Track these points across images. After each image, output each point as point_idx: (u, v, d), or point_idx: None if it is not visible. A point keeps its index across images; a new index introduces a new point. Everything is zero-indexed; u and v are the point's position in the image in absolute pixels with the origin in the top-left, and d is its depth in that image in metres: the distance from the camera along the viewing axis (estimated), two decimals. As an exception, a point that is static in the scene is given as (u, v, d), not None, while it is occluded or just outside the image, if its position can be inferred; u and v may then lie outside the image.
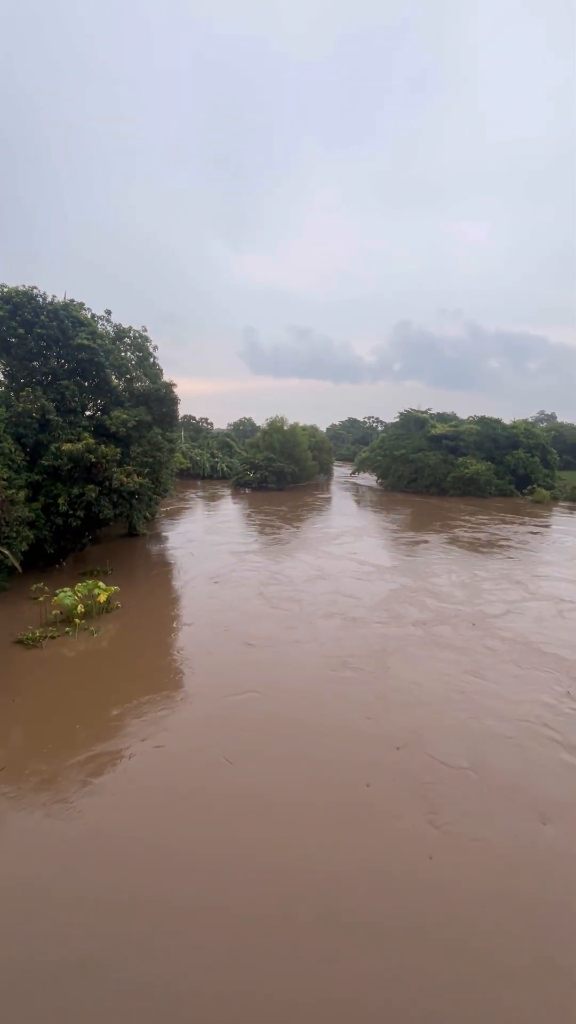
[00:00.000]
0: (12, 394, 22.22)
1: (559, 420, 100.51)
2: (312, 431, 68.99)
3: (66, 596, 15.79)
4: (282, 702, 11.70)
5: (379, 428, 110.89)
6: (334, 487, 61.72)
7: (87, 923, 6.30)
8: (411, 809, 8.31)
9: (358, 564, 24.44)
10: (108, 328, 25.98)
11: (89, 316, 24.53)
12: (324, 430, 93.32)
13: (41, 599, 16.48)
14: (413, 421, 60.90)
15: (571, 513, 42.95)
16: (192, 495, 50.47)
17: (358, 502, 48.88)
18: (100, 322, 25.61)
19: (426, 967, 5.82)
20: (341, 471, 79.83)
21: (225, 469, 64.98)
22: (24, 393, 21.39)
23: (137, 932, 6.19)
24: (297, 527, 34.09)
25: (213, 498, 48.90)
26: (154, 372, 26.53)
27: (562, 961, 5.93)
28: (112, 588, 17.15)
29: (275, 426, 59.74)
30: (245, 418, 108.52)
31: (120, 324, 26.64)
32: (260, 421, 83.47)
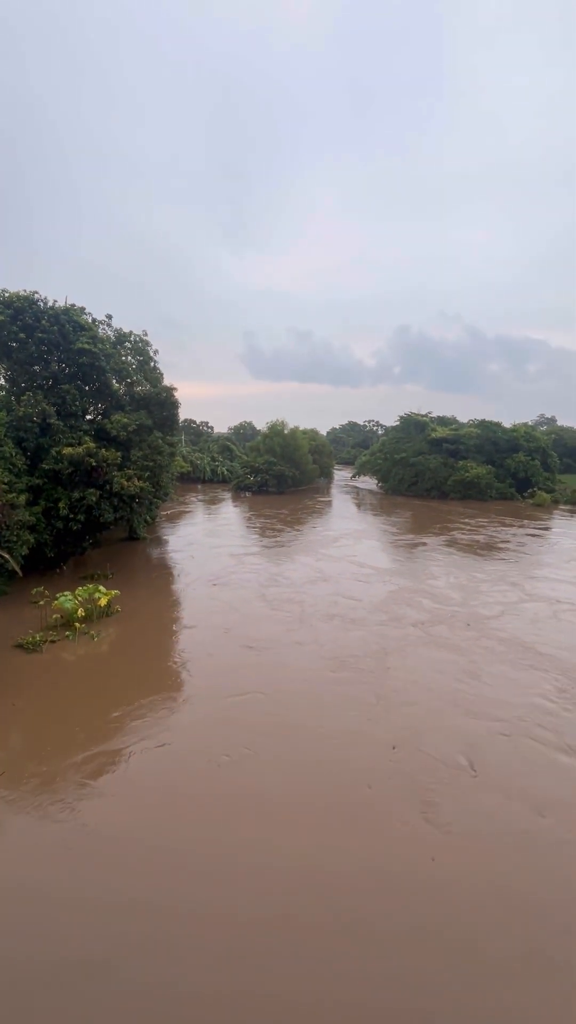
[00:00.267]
0: (13, 398, 22.33)
1: (559, 423, 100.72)
2: (312, 435, 69.12)
3: (66, 600, 15.81)
4: (283, 703, 11.73)
5: (379, 432, 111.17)
6: (334, 491, 61.77)
7: (87, 924, 6.29)
8: (411, 808, 8.30)
9: (358, 566, 24.50)
10: (109, 332, 26.10)
11: (90, 320, 24.64)
12: (324, 434, 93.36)
13: (41, 603, 16.49)
14: (413, 425, 60.99)
15: (572, 516, 42.94)
16: (193, 499, 50.55)
17: (358, 505, 48.93)
18: (101, 326, 25.73)
19: (427, 967, 5.80)
20: (341, 475, 79.90)
21: (225, 473, 65.10)
22: (25, 397, 21.48)
23: (137, 933, 6.18)
24: (297, 530, 34.13)
25: (213, 502, 48.97)
26: (155, 376, 26.64)
27: (562, 959, 5.91)
28: (112, 592, 17.17)
29: (275, 430, 59.87)
30: (245, 422, 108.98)
31: (121, 328, 26.78)
32: (260, 425, 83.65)
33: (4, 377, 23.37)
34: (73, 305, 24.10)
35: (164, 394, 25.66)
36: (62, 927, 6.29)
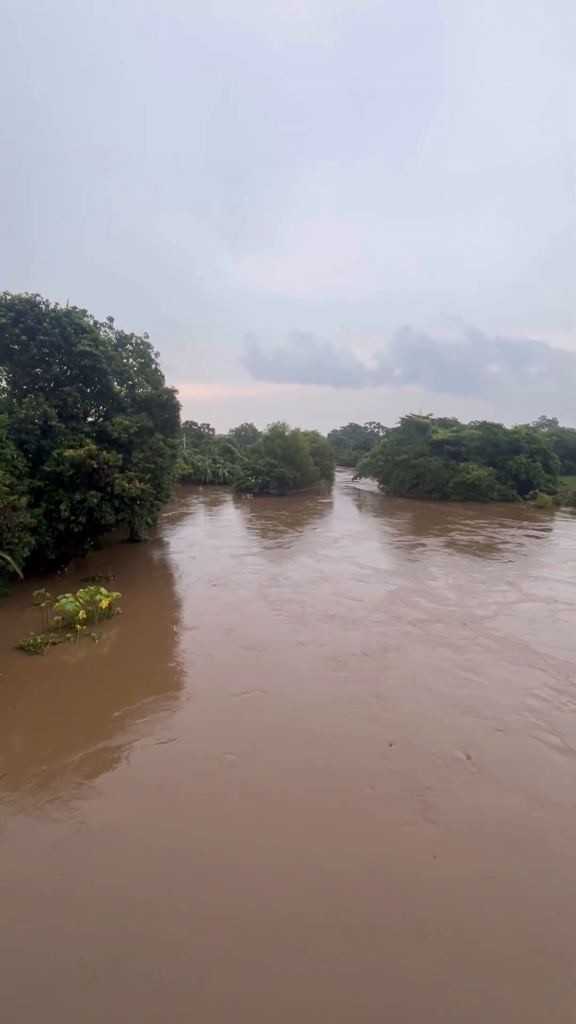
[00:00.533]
0: (15, 400, 22.37)
1: (561, 425, 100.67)
2: (313, 436, 69.13)
3: (68, 602, 15.82)
4: (283, 702, 11.79)
5: (380, 433, 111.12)
6: (336, 492, 61.80)
7: (88, 923, 6.29)
8: (411, 807, 8.30)
9: (358, 567, 24.63)
10: (110, 335, 26.15)
11: (91, 323, 24.71)
12: (325, 435, 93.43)
13: (43, 605, 16.51)
14: (414, 426, 60.98)
15: (573, 518, 42.90)
16: (194, 501, 50.60)
17: (359, 507, 48.96)
18: (102, 329, 25.79)
19: (428, 967, 5.78)
20: (343, 476, 79.90)
21: (227, 475, 65.15)
22: (27, 399, 21.53)
23: (138, 932, 6.17)
24: (298, 531, 34.16)
25: (215, 503, 49.01)
26: (156, 378, 26.68)
27: (563, 957, 5.89)
28: (114, 594, 17.18)
29: (276, 432, 59.93)
30: (247, 424, 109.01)
31: (122, 331, 26.84)
32: (262, 427, 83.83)
33: (6, 379, 23.45)
34: (75, 307, 24.17)
35: (165, 396, 25.70)
36: (63, 926, 6.29)
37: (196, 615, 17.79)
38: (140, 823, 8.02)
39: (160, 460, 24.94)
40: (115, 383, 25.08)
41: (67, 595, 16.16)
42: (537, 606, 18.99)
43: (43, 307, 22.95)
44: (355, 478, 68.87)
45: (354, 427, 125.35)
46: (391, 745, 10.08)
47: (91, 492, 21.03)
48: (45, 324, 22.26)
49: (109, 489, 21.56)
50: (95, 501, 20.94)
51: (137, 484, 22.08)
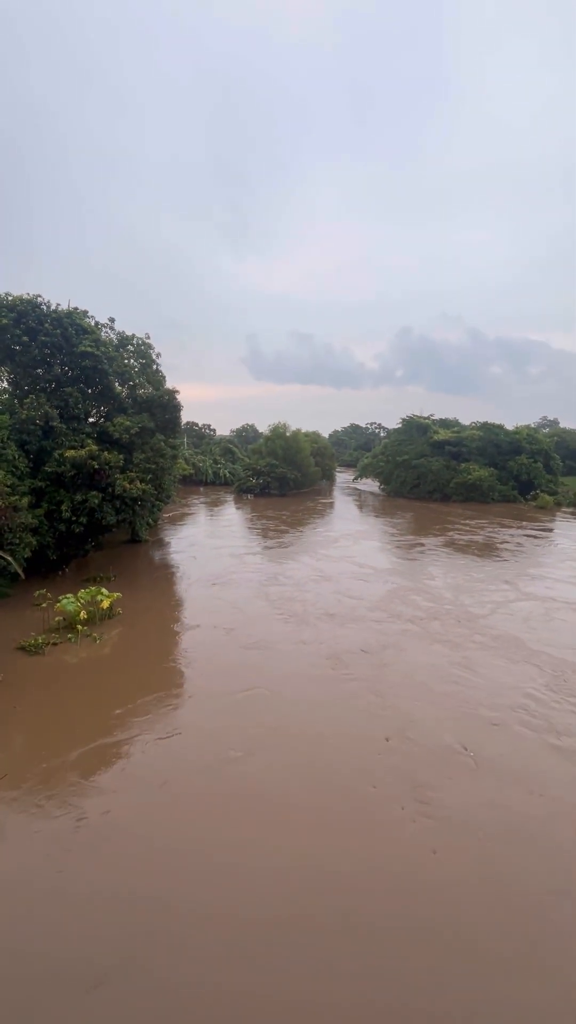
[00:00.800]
0: (16, 401, 22.41)
1: (562, 425, 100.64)
2: (314, 437, 69.15)
3: (69, 602, 15.83)
4: (284, 700, 11.90)
5: (381, 434, 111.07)
6: (336, 493, 61.82)
7: (87, 923, 6.30)
8: (410, 803, 8.32)
9: (358, 566, 24.78)
10: (111, 335, 26.18)
11: (92, 324, 24.74)
12: (326, 436, 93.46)
13: (44, 605, 16.53)
14: (415, 427, 60.97)
15: (574, 518, 42.86)
16: (195, 501, 50.64)
17: (360, 507, 48.99)
18: (103, 330, 25.81)
19: (428, 966, 5.78)
20: (344, 477, 79.93)
21: (228, 475, 65.18)
22: (28, 400, 21.56)
23: (138, 933, 6.18)
24: (299, 531, 34.20)
25: (216, 504, 49.04)
26: (157, 379, 26.69)
27: (564, 956, 5.89)
28: (115, 594, 17.20)
29: (277, 432, 59.95)
30: (248, 424, 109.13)
31: (123, 331, 26.86)
32: (263, 427, 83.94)
33: (7, 380, 23.48)
34: (76, 308, 24.20)
35: (166, 397, 25.71)
36: (61, 925, 6.29)
37: (197, 614, 17.83)
38: (141, 821, 8.04)
39: (161, 461, 24.96)
40: (116, 384, 25.09)
41: (68, 595, 16.18)
42: (534, 605, 19.24)
43: (44, 308, 22.98)
44: (356, 478, 68.83)
45: (355, 428, 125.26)
46: (387, 740, 10.30)
47: (92, 493, 21.05)
48: (46, 325, 22.29)
49: (110, 490, 21.58)
50: (96, 502, 20.96)
51: (138, 485, 22.10)
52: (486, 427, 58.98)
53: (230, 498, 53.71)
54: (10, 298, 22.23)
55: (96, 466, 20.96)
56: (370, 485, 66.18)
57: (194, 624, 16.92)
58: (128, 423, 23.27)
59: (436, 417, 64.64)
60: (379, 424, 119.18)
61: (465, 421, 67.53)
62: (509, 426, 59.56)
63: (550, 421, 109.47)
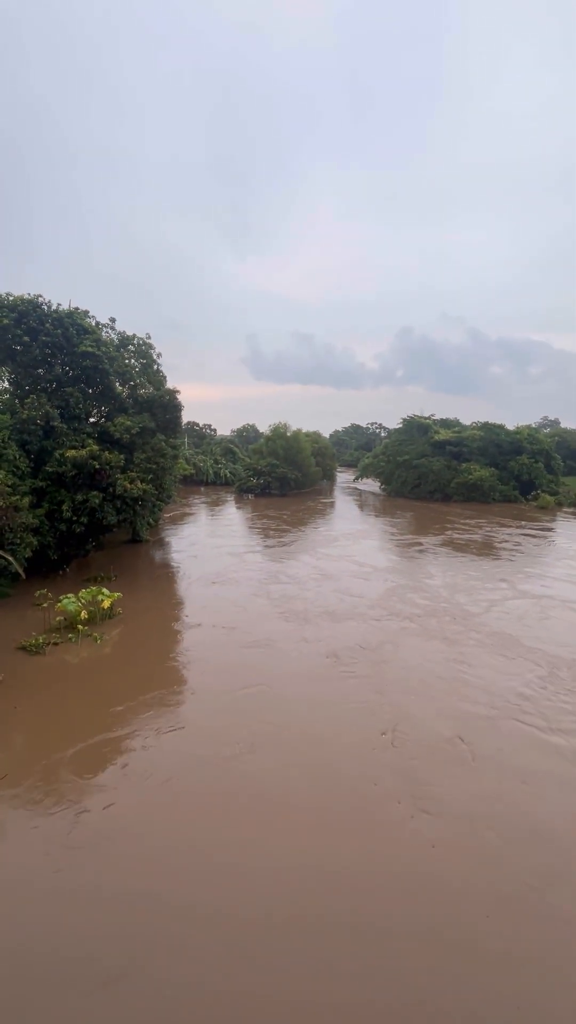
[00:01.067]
0: (17, 401, 22.43)
1: (563, 426, 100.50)
2: (315, 437, 69.16)
3: (70, 602, 15.84)
4: (285, 697, 12.02)
5: (382, 434, 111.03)
6: (337, 493, 61.84)
7: (87, 922, 6.30)
8: (409, 799, 8.34)
9: (357, 565, 24.94)
10: (112, 335, 26.20)
11: (93, 324, 24.76)
12: (327, 436, 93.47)
13: (45, 605, 16.55)
14: (416, 427, 60.96)
15: (574, 518, 42.85)
16: (196, 501, 50.66)
17: (361, 507, 49.01)
18: (104, 330, 25.83)
19: (428, 966, 5.78)
20: (344, 477, 79.97)
21: (228, 475, 65.20)
22: (29, 400, 21.57)
23: (138, 932, 6.18)
24: (300, 531, 34.22)
25: (216, 504, 49.07)
26: (157, 379, 26.70)
27: (564, 955, 5.89)
28: (115, 594, 17.21)
29: (278, 432, 59.96)
30: (248, 424, 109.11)
31: (124, 332, 26.88)
32: (263, 427, 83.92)
33: (8, 380, 23.49)
34: (77, 308, 24.22)
35: (167, 397, 25.72)
36: (60, 924, 6.30)
37: (198, 613, 17.86)
38: (141, 819, 8.05)
39: (162, 460, 24.98)
40: (117, 384, 25.11)
41: (69, 595, 16.19)
42: (530, 603, 19.52)
43: (45, 308, 23.00)
44: (357, 479, 68.81)
45: (356, 428, 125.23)
46: (383, 735, 10.52)
47: (93, 493, 21.06)
48: (47, 325, 22.30)
49: (111, 490, 21.59)
50: (97, 502, 20.97)
51: (139, 484, 22.11)
52: (487, 427, 58.95)
53: (231, 498, 53.74)
54: (11, 298, 22.24)
55: (97, 466, 20.97)
56: (371, 485, 66.18)
57: (195, 623, 16.96)
58: (129, 423, 23.28)
59: (437, 417, 64.67)
60: (380, 424, 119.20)
61: (466, 421, 67.57)
62: (510, 426, 59.60)
63: (551, 421, 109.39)
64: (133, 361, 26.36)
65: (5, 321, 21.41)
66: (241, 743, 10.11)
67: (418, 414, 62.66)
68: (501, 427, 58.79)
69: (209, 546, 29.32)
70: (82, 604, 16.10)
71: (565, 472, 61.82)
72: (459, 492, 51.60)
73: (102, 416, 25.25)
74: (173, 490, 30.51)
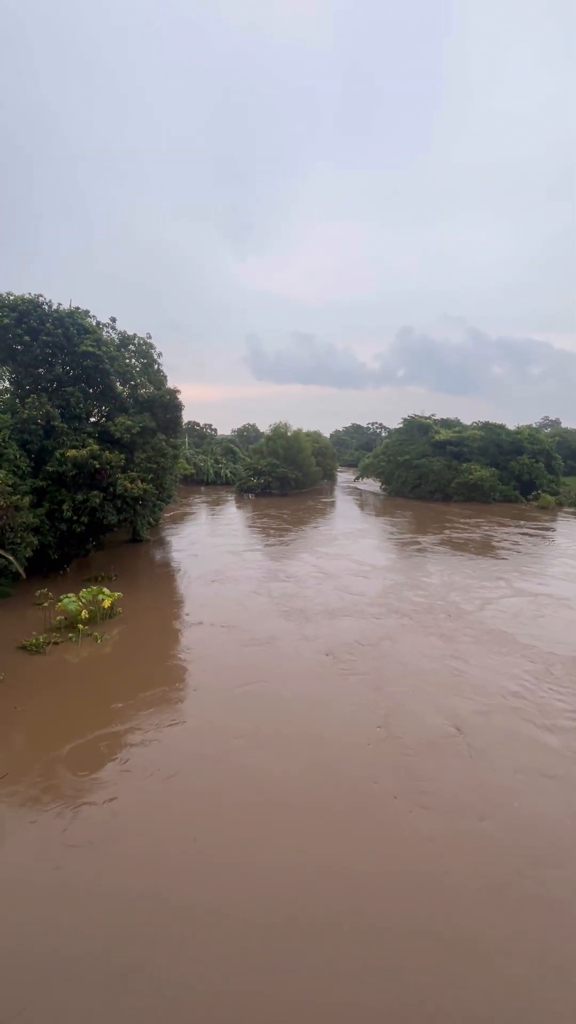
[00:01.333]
0: (17, 401, 22.43)
1: (563, 426, 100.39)
2: (315, 437, 69.16)
3: (70, 602, 15.85)
4: (286, 695, 12.13)
5: (383, 434, 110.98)
6: (337, 492, 61.85)
7: (87, 921, 6.30)
8: (408, 795, 8.35)
9: (357, 564, 25.07)
10: (113, 335, 26.19)
11: (94, 323, 24.75)
12: (328, 436, 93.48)
13: (45, 605, 16.55)
14: (417, 427, 60.94)
15: (575, 518, 42.90)
16: (196, 501, 50.68)
17: (361, 507, 49.03)
18: (105, 329, 25.83)
19: (429, 966, 5.78)
20: (345, 477, 79.99)
21: (229, 475, 65.21)
22: (29, 400, 21.57)
23: (138, 932, 6.18)
24: (300, 530, 34.24)
25: (217, 503, 49.09)
26: (158, 379, 26.70)
27: (565, 955, 5.89)
28: (115, 594, 17.21)
29: (278, 432, 59.95)
30: (249, 424, 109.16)
31: (124, 331, 26.86)
32: (264, 427, 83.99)
33: (9, 380, 23.49)
34: (77, 308, 24.22)
35: (168, 396, 25.72)
36: (60, 923, 6.30)
37: (199, 612, 17.90)
38: (141, 818, 8.06)
39: (162, 460, 24.98)
40: (117, 383, 25.11)
41: (69, 595, 16.19)
42: (526, 600, 19.73)
43: (46, 308, 22.99)
44: (357, 478, 68.78)
45: (356, 427, 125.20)
46: (378, 728, 10.72)
47: (93, 492, 21.06)
48: (48, 324, 22.30)
49: (111, 489, 21.60)
50: (97, 501, 20.98)
51: (139, 484, 22.11)
52: (487, 427, 58.92)
53: (231, 498, 53.76)
54: (11, 298, 22.24)
55: (97, 466, 20.98)
56: (371, 485, 66.17)
57: (196, 621, 17.00)
58: (129, 423, 23.29)
59: (437, 417, 64.63)
60: (380, 424, 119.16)
61: (466, 421, 67.51)
62: (511, 426, 59.55)
63: (551, 421, 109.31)
64: (134, 361, 26.36)
65: (6, 321, 21.41)
66: (241, 741, 10.14)
67: (419, 414, 62.66)
68: (502, 427, 58.75)
69: (209, 545, 29.36)
70: (83, 603, 16.10)
71: (566, 472, 61.77)
72: (459, 492, 51.59)
73: (103, 416, 25.25)
74: (173, 490, 30.54)
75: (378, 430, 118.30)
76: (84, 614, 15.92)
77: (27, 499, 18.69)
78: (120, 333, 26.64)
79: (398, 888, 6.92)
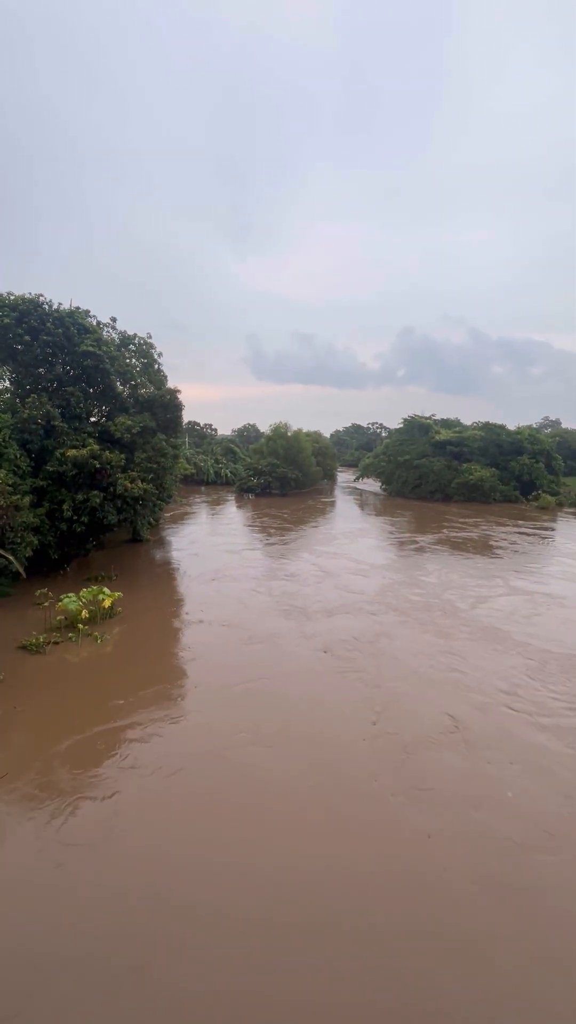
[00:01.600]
0: (18, 400, 22.42)
1: (564, 426, 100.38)
2: (316, 437, 69.12)
3: (70, 601, 15.84)
4: (286, 693, 12.20)
5: (383, 434, 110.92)
6: (338, 493, 61.84)
7: (87, 921, 6.30)
8: (408, 791, 8.34)
9: (356, 563, 25.18)
10: (113, 335, 26.18)
11: (94, 323, 24.75)
12: (328, 436, 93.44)
13: (45, 605, 16.54)
14: (417, 427, 60.91)
15: (574, 518, 42.90)
16: (196, 500, 50.68)
17: (361, 507, 49.03)
18: (105, 329, 25.82)
19: (428, 967, 5.78)
20: (345, 477, 79.97)
21: (229, 475, 65.20)
22: (30, 399, 21.57)
23: (138, 932, 6.18)
24: (300, 530, 34.25)
25: (217, 503, 49.09)
26: (158, 378, 26.69)
27: (565, 955, 5.89)
28: (116, 594, 17.21)
29: (279, 432, 59.94)
30: (249, 424, 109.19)
31: (125, 331, 26.85)
32: (264, 427, 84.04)
33: (9, 379, 23.48)
34: (78, 308, 24.22)
35: (168, 396, 25.70)
36: (59, 923, 6.30)
37: (199, 611, 17.92)
38: (141, 816, 8.05)
39: (162, 460, 24.97)
40: (118, 383, 25.11)
41: (69, 594, 16.19)
42: (522, 599, 19.88)
43: (46, 307, 22.98)
44: (357, 478, 68.75)
45: (357, 427, 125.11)
46: (374, 724, 10.86)
47: (93, 492, 21.06)
48: (48, 324, 22.29)
49: (111, 489, 21.59)
50: (97, 501, 20.97)
51: (139, 484, 22.11)
52: (488, 427, 58.89)
53: (231, 497, 53.77)
54: (12, 297, 22.24)
55: (98, 465, 20.97)
56: (371, 485, 66.14)
57: (196, 620, 17.03)
58: (130, 422, 23.28)
59: (438, 417, 64.60)
60: (381, 424, 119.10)
61: (467, 421, 67.50)
62: (511, 426, 59.51)
63: (552, 421, 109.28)
64: (134, 360, 26.36)
65: (6, 320, 21.41)
66: (242, 738, 10.18)
67: (419, 414, 62.63)
68: (502, 427, 58.72)
69: (210, 544, 29.39)
70: (83, 603, 16.10)
71: (566, 472, 61.74)
72: (460, 492, 51.57)
73: (103, 415, 25.25)
74: (174, 490, 30.53)
75: (378, 430, 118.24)
76: (84, 614, 15.92)
77: (27, 499, 18.69)
78: (120, 333, 26.64)
79: (398, 887, 6.92)
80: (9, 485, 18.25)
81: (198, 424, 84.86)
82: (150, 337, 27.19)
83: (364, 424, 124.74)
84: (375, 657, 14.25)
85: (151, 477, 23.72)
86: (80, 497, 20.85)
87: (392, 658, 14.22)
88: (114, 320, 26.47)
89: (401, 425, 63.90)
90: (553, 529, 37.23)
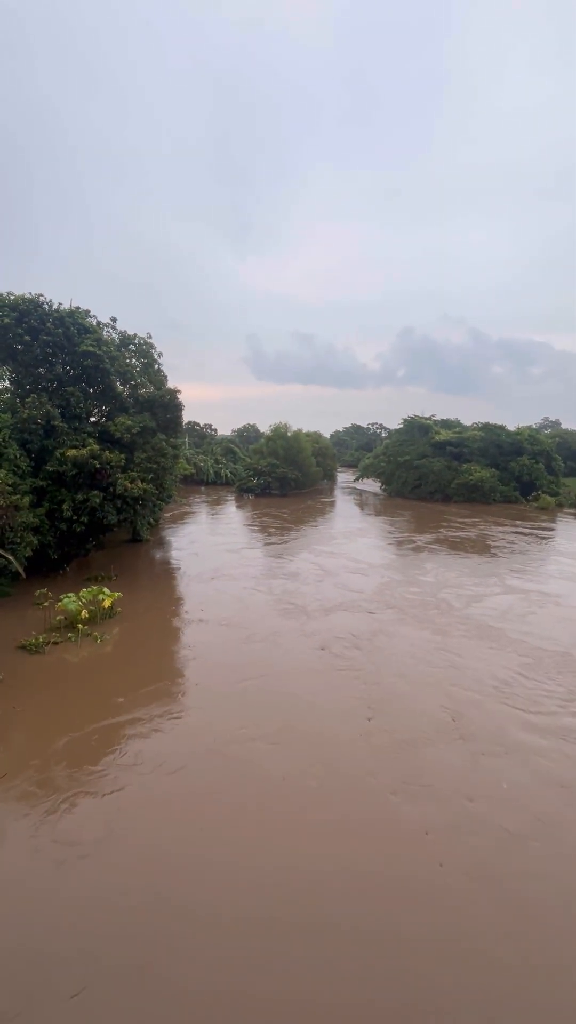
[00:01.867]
0: (18, 400, 22.42)
1: (564, 427, 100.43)
2: (316, 437, 69.16)
3: (70, 601, 15.84)
4: (286, 691, 12.25)
5: (383, 434, 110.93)
6: (337, 493, 61.87)
7: (87, 921, 6.29)
8: (407, 790, 8.33)
9: (354, 562, 25.30)
10: (113, 335, 26.18)
11: (94, 323, 24.75)
12: (328, 436, 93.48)
13: (45, 605, 16.54)
14: (417, 427, 60.92)
15: (574, 519, 42.86)
16: (196, 500, 50.70)
17: (360, 507, 49.05)
18: (105, 329, 25.82)
19: (430, 965, 5.77)
20: (345, 477, 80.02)
21: (229, 475, 65.22)
22: (30, 399, 21.57)
23: (138, 932, 6.17)
24: (300, 530, 34.28)
25: (217, 503, 49.11)
26: (158, 379, 26.69)
27: (565, 955, 5.89)
28: (115, 594, 17.21)
29: (279, 432, 59.96)
30: (249, 424, 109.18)
31: (125, 331, 26.85)
32: (264, 427, 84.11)
33: (9, 379, 23.48)
34: (78, 308, 24.22)
35: (168, 396, 25.70)
36: (63, 924, 6.29)
37: (199, 610, 17.94)
38: (141, 816, 8.04)
39: (162, 460, 24.97)
40: (118, 383, 25.11)
41: (69, 594, 16.18)
42: (518, 597, 20.02)
43: (46, 307, 22.98)
44: (357, 479, 68.75)
45: (356, 428, 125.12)
46: (376, 722, 10.93)
47: (93, 492, 21.06)
48: (48, 324, 22.30)
49: (111, 489, 21.59)
50: (97, 501, 20.97)
51: (139, 484, 22.10)
52: (488, 428, 58.90)
53: (231, 498, 53.79)
54: (12, 297, 22.24)
55: (97, 465, 20.97)
56: (371, 485, 66.15)
57: (196, 619, 17.06)
58: (129, 422, 23.29)
59: (438, 418, 64.58)
60: (381, 424, 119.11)
61: (467, 422, 67.43)
62: (511, 427, 59.48)
63: (552, 422, 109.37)
64: (134, 360, 26.36)
65: (6, 320, 21.41)
66: (242, 736, 10.19)
67: (419, 414, 62.63)
68: (502, 428, 58.73)
69: (209, 544, 29.42)
70: (82, 603, 16.10)
71: (566, 473, 61.75)
72: (459, 493, 51.58)
73: (103, 415, 25.25)
74: (174, 490, 30.55)
75: (378, 430, 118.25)
76: (84, 614, 15.92)
77: (27, 499, 18.68)
78: (120, 333, 26.64)
79: (397, 886, 6.92)
80: (9, 485, 18.25)
81: (198, 424, 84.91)
82: (150, 337, 27.21)
83: (364, 424, 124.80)
84: (373, 654, 14.37)
85: (151, 477, 23.72)
86: (80, 497, 20.85)
87: (390, 655, 14.34)
88: (114, 320, 26.49)
89: (401, 425, 63.89)
90: (552, 529, 37.24)
